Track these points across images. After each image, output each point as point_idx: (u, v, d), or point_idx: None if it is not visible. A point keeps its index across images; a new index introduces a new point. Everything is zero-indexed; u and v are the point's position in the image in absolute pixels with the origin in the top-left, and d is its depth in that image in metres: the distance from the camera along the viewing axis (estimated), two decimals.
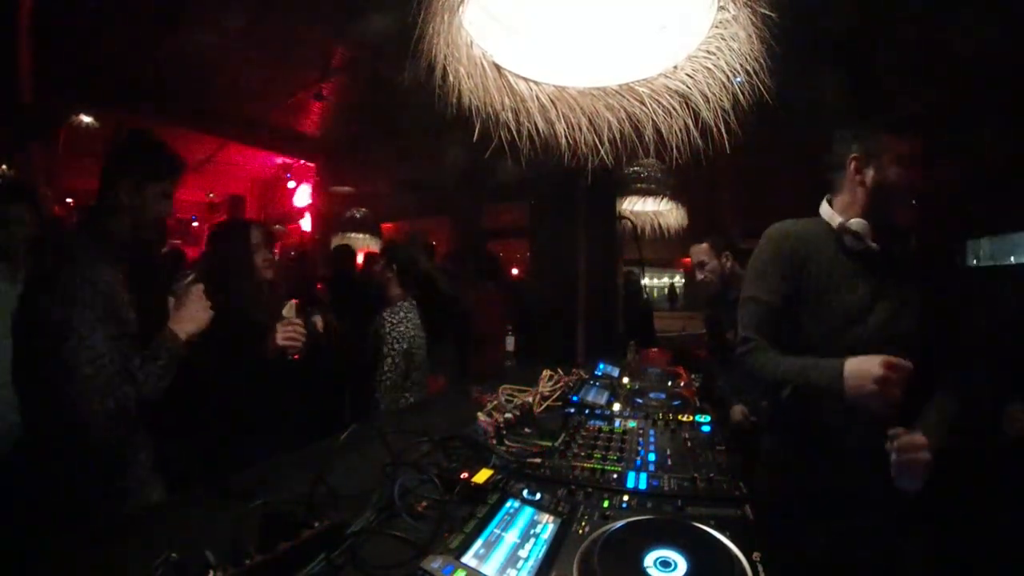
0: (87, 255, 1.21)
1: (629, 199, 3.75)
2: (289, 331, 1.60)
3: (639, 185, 3.67)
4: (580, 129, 1.39)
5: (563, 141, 1.40)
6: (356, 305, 2.96)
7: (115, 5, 3.76)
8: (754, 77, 1.25)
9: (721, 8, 1.16)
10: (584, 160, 1.43)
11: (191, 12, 4.01)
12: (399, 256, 2.47)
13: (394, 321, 2.29)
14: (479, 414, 1.39)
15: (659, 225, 4.03)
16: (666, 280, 10.08)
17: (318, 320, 2.01)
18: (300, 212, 8.30)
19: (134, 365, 1.19)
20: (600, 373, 2.07)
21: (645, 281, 5.85)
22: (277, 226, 8.00)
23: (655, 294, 9.19)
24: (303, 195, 8.15)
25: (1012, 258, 4.66)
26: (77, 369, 1.11)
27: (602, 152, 1.41)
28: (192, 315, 1.31)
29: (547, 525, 0.79)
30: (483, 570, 0.66)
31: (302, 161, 8.09)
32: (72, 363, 1.11)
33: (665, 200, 3.83)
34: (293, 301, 1.69)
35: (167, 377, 1.23)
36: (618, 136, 1.39)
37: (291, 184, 8.37)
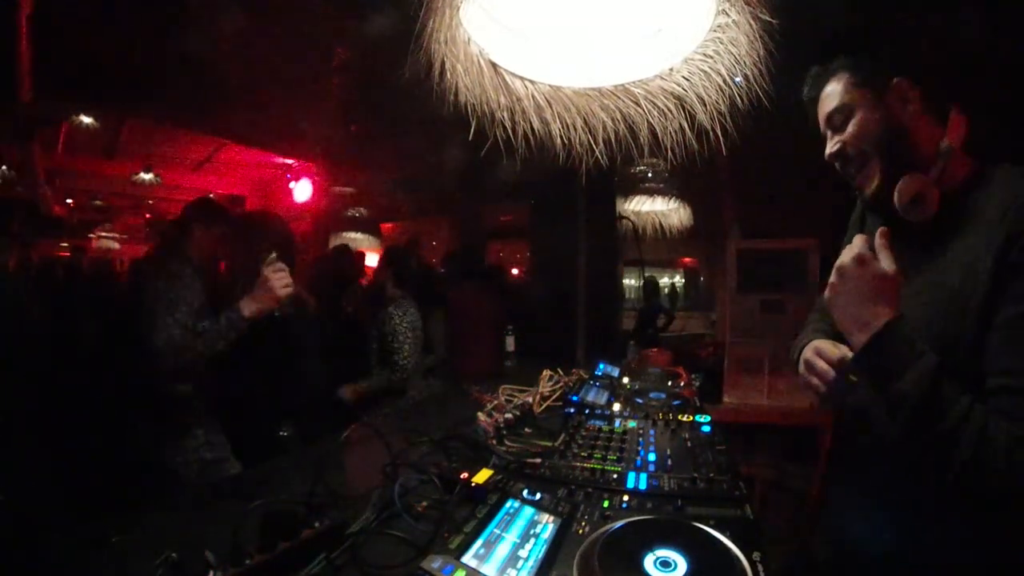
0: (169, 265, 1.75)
1: (637, 198, 3.74)
2: (280, 275, 1.58)
3: (645, 185, 3.66)
4: (575, 129, 1.39)
5: (558, 141, 1.40)
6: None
7: (115, 5, 3.76)
8: (753, 81, 1.25)
9: (721, 12, 1.16)
10: (580, 160, 1.43)
11: (191, 11, 4.01)
12: (395, 258, 2.75)
13: (401, 314, 2.56)
14: (479, 414, 1.39)
15: (661, 225, 4.02)
16: (666, 280, 10.09)
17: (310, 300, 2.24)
18: (301, 208, 8.11)
19: (202, 327, 1.60)
20: (600, 373, 2.06)
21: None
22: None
23: None
24: (303, 191, 7.90)
25: None
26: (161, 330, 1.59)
27: (597, 152, 1.41)
28: (264, 295, 1.57)
29: (547, 525, 0.79)
30: (483, 570, 0.67)
31: (302, 161, 8.06)
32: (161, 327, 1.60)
33: (672, 199, 3.82)
34: (273, 253, 1.63)
35: (221, 342, 1.58)
36: (613, 137, 1.39)
37: (292, 184, 8.27)
